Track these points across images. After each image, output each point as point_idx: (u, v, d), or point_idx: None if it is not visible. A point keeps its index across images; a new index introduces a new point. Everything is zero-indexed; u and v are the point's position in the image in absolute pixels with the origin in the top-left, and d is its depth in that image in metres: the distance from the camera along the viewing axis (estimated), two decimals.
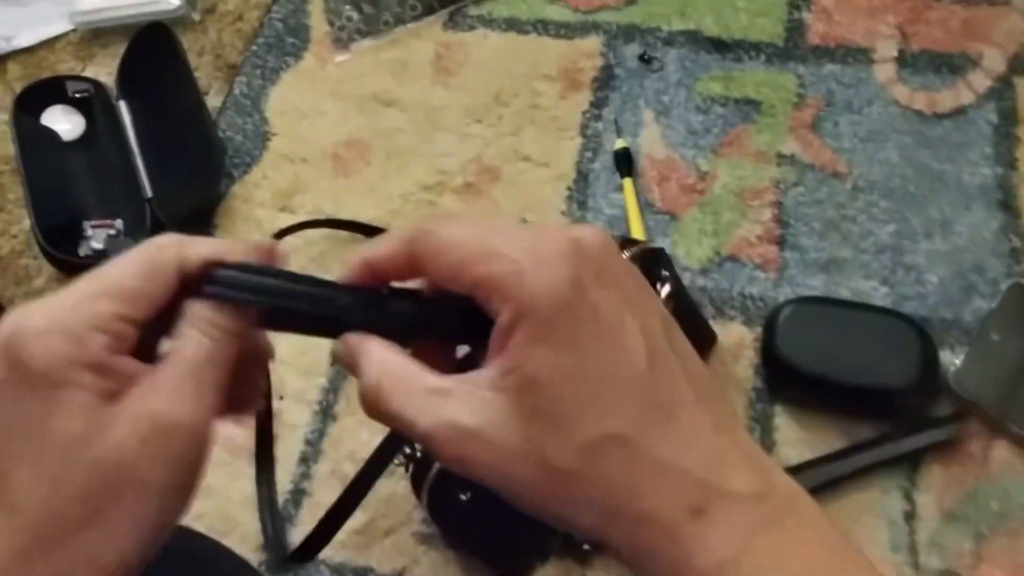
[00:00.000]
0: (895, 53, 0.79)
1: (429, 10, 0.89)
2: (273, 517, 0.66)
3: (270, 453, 0.69)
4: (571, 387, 0.29)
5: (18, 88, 0.88)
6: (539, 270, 0.29)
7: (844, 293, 0.69)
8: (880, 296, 0.68)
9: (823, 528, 0.30)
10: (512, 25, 0.87)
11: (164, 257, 0.32)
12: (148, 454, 0.30)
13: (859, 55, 0.80)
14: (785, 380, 0.64)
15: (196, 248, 0.32)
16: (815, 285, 0.70)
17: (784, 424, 0.64)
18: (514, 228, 0.31)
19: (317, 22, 0.91)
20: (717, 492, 0.29)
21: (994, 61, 0.77)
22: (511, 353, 0.29)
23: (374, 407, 0.31)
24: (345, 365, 0.33)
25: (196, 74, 0.88)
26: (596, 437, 0.29)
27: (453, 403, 0.30)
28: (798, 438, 0.63)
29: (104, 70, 0.91)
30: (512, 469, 0.29)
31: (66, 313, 0.30)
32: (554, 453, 0.29)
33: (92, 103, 0.87)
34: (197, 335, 0.31)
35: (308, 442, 0.70)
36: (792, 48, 0.81)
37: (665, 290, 0.59)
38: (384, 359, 0.32)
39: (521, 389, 0.29)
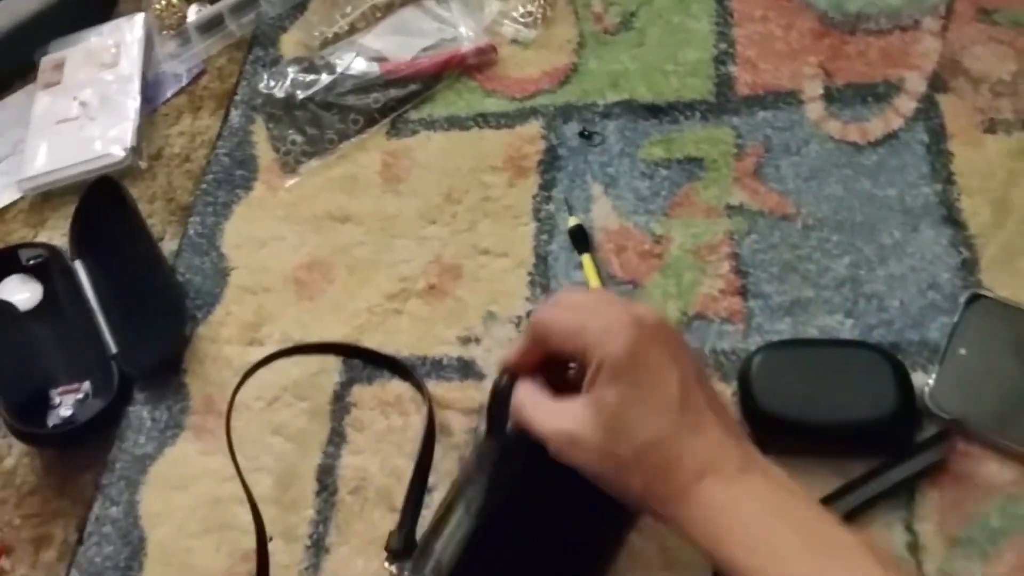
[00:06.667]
0: (821, 91, 0.81)
1: (371, 122, 0.90)
2: None
3: None
4: (630, 410, 0.48)
5: None
6: (611, 339, 0.48)
7: (812, 332, 0.69)
8: (847, 329, 0.68)
9: (786, 483, 0.47)
10: (453, 123, 0.89)
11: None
12: None
13: (788, 98, 0.81)
14: (768, 430, 0.63)
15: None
16: (783, 329, 0.69)
17: None
18: (594, 305, 0.51)
19: (263, 151, 0.93)
20: (713, 468, 0.47)
21: (915, 83, 0.79)
22: (595, 388, 0.48)
23: (519, 416, 0.52)
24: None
25: (151, 220, 0.89)
26: (644, 440, 0.47)
27: (562, 417, 0.50)
28: None
29: (58, 232, 0.92)
30: (594, 457, 0.48)
31: None
32: (619, 450, 0.47)
33: (48, 268, 0.87)
34: None
35: None
36: (724, 102, 0.83)
37: None
38: (527, 388, 0.53)
39: (600, 410, 0.48)
